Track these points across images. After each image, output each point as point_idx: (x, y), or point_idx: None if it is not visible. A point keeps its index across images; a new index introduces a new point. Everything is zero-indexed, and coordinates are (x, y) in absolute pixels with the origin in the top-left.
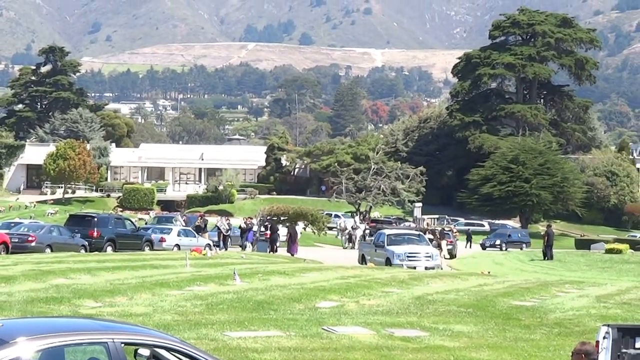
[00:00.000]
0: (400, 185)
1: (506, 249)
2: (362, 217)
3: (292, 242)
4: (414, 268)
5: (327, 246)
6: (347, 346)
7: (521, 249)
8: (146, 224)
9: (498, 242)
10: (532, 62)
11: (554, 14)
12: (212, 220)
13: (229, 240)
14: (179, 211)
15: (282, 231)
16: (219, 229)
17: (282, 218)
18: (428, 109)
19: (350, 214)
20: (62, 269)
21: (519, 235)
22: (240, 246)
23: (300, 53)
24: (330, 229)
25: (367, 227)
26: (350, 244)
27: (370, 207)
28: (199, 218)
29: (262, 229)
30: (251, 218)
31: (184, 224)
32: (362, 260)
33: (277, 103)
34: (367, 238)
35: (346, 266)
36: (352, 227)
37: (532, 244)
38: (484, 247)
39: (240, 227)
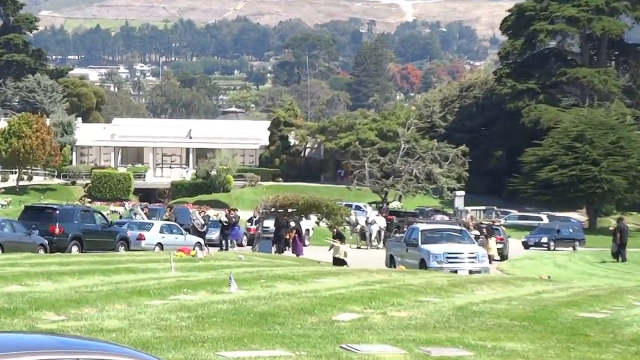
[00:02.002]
0: (437, 170)
1: (554, 248)
2: (378, 209)
3: (297, 240)
4: (455, 272)
5: (346, 245)
6: None
7: (573, 248)
8: (120, 217)
9: (545, 239)
10: (601, 15)
11: None
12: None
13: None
14: (161, 202)
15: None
16: (192, 224)
17: (290, 210)
18: (471, 75)
19: (375, 205)
20: (16, 274)
21: (571, 230)
22: (219, 246)
23: (312, 5)
24: (349, 223)
25: (387, 221)
26: (364, 242)
27: (400, 196)
28: (201, 212)
29: (263, 224)
30: (235, 210)
31: (144, 217)
32: (391, 262)
33: (283, 67)
34: (395, 235)
35: (370, 269)
36: (366, 221)
37: (596, 242)
38: (527, 245)
39: (220, 222)
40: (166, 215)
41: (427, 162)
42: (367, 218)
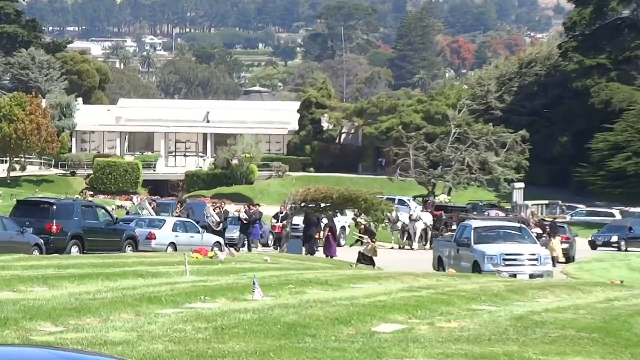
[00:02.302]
0: (493, 158)
1: (626, 249)
2: (423, 204)
3: (331, 239)
4: (514, 276)
5: (388, 245)
6: None
7: None
8: (128, 213)
9: (615, 238)
10: None
11: None
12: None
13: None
14: (174, 195)
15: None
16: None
17: (322, 205)
18: (532, 48)
19: (420, 199)
20: (7, 278)
21: None
22: (234, 246)
23: None
24: (389, 220)
25: (434, 217)
26: (409, 243)
27: (450, 189)
28: (217, 207)
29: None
30: (257, 206)
31: (152, 213)
32: (439, 264)
33: (315, 40)
34: (444, 233)
35: (416, 273)
36: (409, 218)
37: None
38: (594, 245)
39: (240, 219)
40: (177, 212)
41: (481, 149)
42: (411, 214)
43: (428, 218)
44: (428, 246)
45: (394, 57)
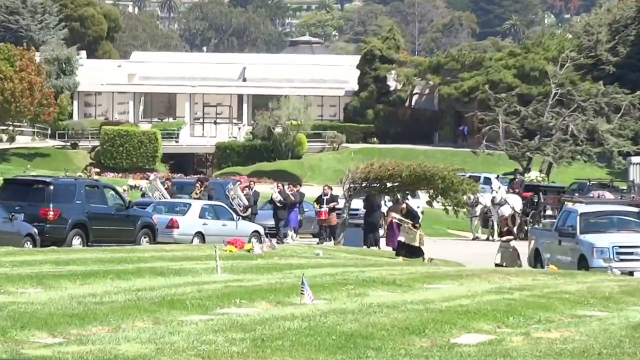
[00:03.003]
0: (604, 125)
1: None
2: (509, 182)
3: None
4: (631, 273)
5: (471, 235)
6: None
7: None
8: (143, 195)
9: None
10: None
11: None
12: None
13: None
14: (201, 172)
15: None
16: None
17: (389, 185)
18: None
19: (505, 176)
20: None
21: None
22: (275, 236)
23: None
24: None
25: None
26: (490, 232)
27: (550, 164)
28: (244, 187)
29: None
30: (297, 185)
31: (164, 195)
32: (536, 259)
33: None
34: (541, 220)
35: (506, 269)
36: (492, 201)
37: None
38: None
39: (272, 202)
40: (196, 193)
41: (589, 114)
42: (494, 196)
43: (516, 201)
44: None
45: None
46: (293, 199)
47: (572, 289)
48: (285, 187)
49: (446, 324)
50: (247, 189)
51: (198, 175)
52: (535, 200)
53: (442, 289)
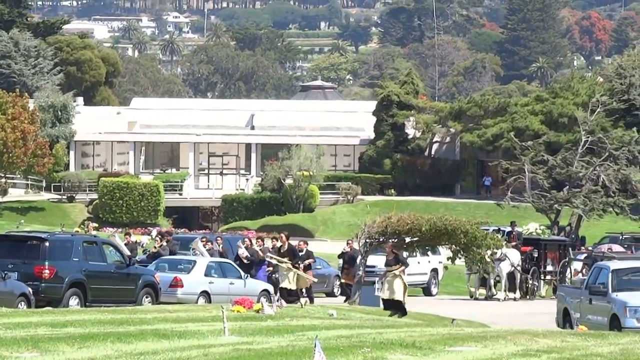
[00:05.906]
0: (637, 175)
1: None
2: (507, 236)
3: None
4: None
5: (500, 294)
6: None
7: None
8: (145, 252)
9: None
10: None
11: None
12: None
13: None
14: (206, 228)
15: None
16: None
17: (407, 240)
18: None
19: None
20: None
21: None
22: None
23: None
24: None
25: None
26: (488, 291)
27: (580, 217)
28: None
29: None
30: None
31: (204, 254)
32: (565, 319)
33: (396, 17)
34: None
35: (533, 330)
36: (491, 255)
37: None
38: None
39: (238, 259)
40: (155, 248)
41: (621, 163)
42: (494, 251)
43: (515, 256)
44: (518, 294)
45: (503, 40)
46: (261, 254)
47: (603, 351)
48: (254, 242)
49: None
50: (209, 244)
51: (206, 231)
52: (535, 255)
53: (464, 352)
